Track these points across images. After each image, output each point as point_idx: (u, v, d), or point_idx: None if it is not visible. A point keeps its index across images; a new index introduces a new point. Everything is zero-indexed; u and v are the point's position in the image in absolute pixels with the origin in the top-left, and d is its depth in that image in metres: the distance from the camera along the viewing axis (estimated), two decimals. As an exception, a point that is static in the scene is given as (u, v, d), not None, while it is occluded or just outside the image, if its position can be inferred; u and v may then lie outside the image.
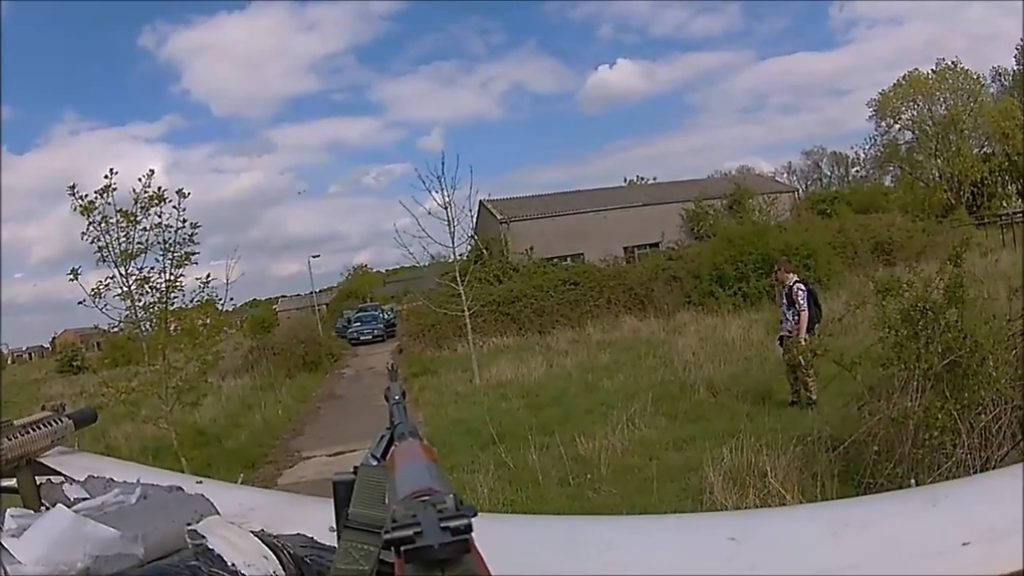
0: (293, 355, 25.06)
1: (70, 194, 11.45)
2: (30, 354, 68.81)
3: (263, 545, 0.96)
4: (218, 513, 1.09)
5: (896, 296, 7.04)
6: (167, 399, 11.41)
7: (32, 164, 69.70)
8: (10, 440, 1.37)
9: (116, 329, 12.20)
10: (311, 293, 54.87)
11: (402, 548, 0.50)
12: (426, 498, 0.56)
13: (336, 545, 0.75)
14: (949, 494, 1.21)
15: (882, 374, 7.06)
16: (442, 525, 0.50)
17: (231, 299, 13.40)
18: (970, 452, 5.95)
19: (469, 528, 0.50)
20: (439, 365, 19.45)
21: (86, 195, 11.44)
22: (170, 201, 11.60)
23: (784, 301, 10.08)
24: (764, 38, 73.51)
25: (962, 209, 39.36)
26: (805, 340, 9.43)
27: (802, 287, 9.95)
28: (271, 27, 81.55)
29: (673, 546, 1.13)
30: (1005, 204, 42.43)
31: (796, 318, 9.84)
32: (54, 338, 54.69)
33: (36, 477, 1.42)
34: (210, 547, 0.96)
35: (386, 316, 39.54)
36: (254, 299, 64.73)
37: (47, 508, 1.17)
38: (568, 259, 29.40)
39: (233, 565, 0.93)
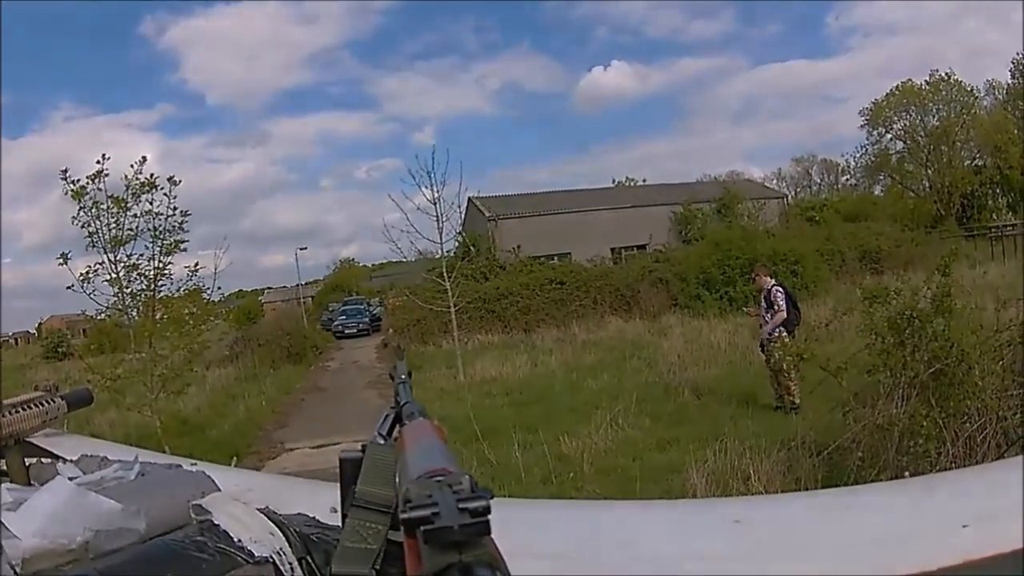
0: (278, 347, 25.02)
1: (62, 179, 11.44)
2: (16, 339, 68.33)
3: (269, 522, 0.95)
4: (220, 490, 1.08)
5: (883, 304, 7.07)
6: (152, 387, 11.38)
7: (24, 150, 68.96)
8: None
9: (103, 316, 12.18)
10: (297, 285, 54.86)
11: (420, 529, 0.48)
12: (441, 479, 0.54)
13: (339, 525, 0.75)
14: (945, 483, 1.23)
15: (868, 381, 7.07)
16: (460, 507, 0.49)
17: (218, 288, 13.41)
18: (954, 461, 5.97)
19: (487, 510, 0.49)
20: (423, 361, 19.32)
21: (78, 180, 11.42)
22: (161, 188, 11.61)
23: (763, 304, 10.12)
24: (759, 44, 73.19)
25: (951, 220, 39.52)
26: (782, 338, 9.52)
27: (780, 289, 10.03)
28: (269, 19, 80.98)
29: (679, 528, 1.14)
30: (995, 217, 42.55)
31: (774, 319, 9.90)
32: (40, 324, 54.38)
33: (26, 459, 1.39)
34: (215, 523, 0.95)
35: (372, 310, 39.49)
36: (240, 290, 64.38)
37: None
38: (555, 258, 29.34)
39: (239, 541, 0.91)
